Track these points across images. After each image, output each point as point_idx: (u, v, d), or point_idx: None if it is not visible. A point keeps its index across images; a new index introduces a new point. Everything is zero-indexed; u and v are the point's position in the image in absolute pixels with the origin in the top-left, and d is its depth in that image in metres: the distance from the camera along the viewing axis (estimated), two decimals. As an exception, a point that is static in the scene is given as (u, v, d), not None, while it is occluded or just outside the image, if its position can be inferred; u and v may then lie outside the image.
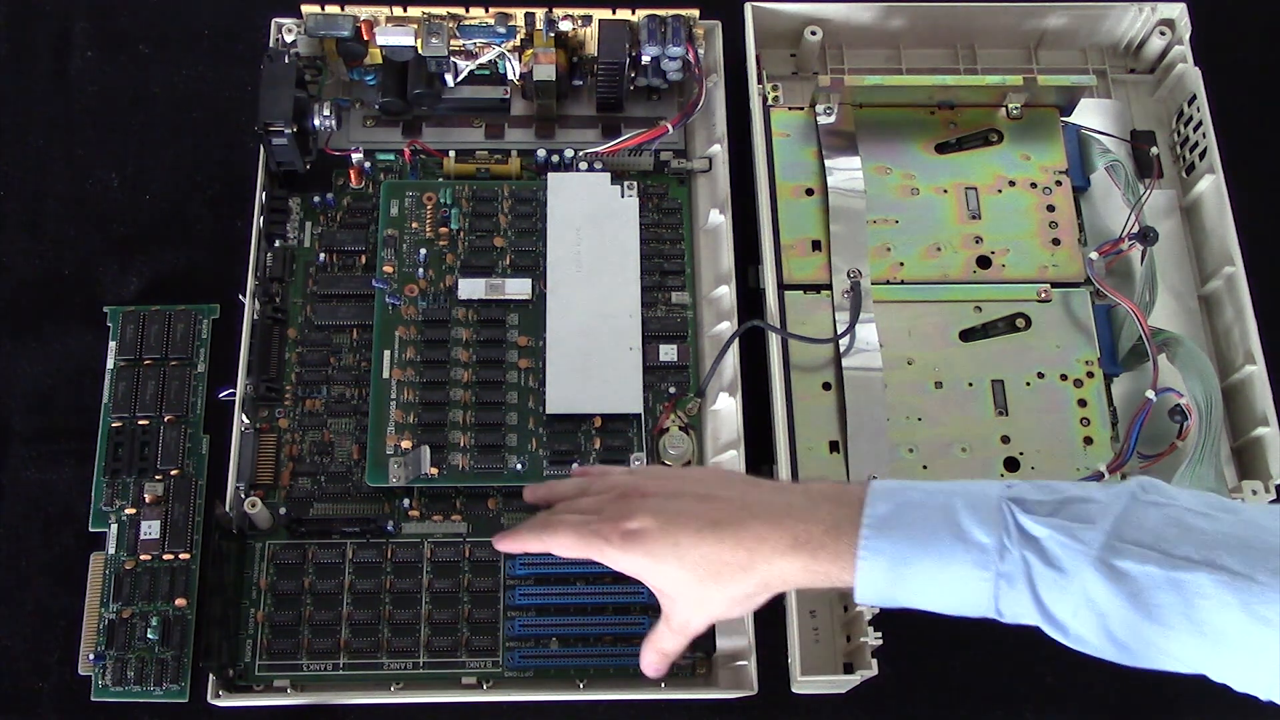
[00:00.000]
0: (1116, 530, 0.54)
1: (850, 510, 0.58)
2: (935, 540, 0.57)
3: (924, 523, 0.57)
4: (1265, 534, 0.54)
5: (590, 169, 0.85)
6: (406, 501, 0.77)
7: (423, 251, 0.82)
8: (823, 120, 0.86)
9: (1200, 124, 0.86)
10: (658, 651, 0.66)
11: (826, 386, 0.80)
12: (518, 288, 0.81)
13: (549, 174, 0.84)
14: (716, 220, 0.83)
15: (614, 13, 0.84)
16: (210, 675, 0.70)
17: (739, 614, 0.63)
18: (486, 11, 0.84)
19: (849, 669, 0.74)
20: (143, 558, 0.75)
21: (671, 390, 0.80)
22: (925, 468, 0.78)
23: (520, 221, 0.84)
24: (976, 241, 0.84)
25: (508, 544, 0.67)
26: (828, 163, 0.85)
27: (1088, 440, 0.79)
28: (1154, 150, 0.87)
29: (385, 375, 0.79)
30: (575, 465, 0.77)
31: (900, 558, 0.57)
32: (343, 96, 0.88)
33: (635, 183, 0.84)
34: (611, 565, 0.62)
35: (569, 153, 0.85)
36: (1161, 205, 0.87)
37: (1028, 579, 0.55)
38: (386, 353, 0.79)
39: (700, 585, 0.60)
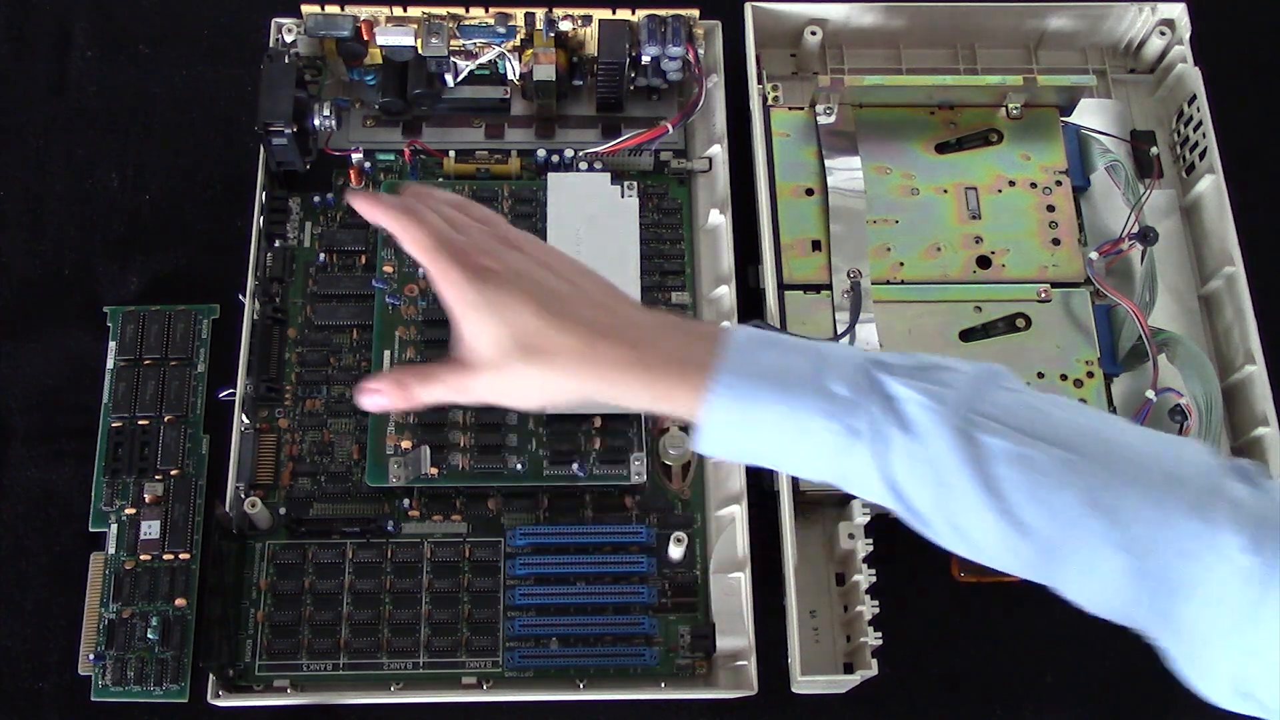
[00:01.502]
0: (972, 402, 0.54)
1: (703, 342, 0.56)
2: (790, 384, 0.55)
3: (782, 367, 0.56)
4: (1116, 431, 0.54)
5: (590, 169, 0.85)
6: (406, 501, 0.77)
7: (423, 251, 0.82)
8: (823, 120, 0.86)
9: (1200, 124, 0.86)
10: (399, 384, 0.60)
11: (826, 386, 0.80)
12: (518, 288, 0.81)
13: (549, 174, 0.84)
14: (716, 220, 0.83)
15: (614, 13, 0.84)
16: (210, 675, 0.70)
17: (530, 404, 0.59)
18: (486, 11, 0.84)
19: (849, 669, 0.74)
20: (143, 558, 0.75)
21: (671, 390, 0.80)
22: (925, 468, 0.78)
23: (520, 221, 0.84)
24: (976, 241, 0.84)
25: (362, 202, 0.61)
26: (828, 163, 0.85)
27: (1088, 440, 0.79)
28: (1154, 150, 0.87)
29: (385, 375, 0.79)
30: (575, 466, 0.77)
31: (751, 396, 0.55)
32: (343, 96, 0.88)
33: (635, 183, 0.84)
34: (444, 290, 0.58)
35: (569, 153, 0.85)
36: (1161, 205, 0.87)
37: (877, 438, 0.54)
38: (386, 353, 0.79)
39: (512, 353, 0.57)
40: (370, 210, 0.61)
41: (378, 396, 0.61)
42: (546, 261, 0.60)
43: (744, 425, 0.56)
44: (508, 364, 0.57)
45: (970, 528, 0.55)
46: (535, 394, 0.58)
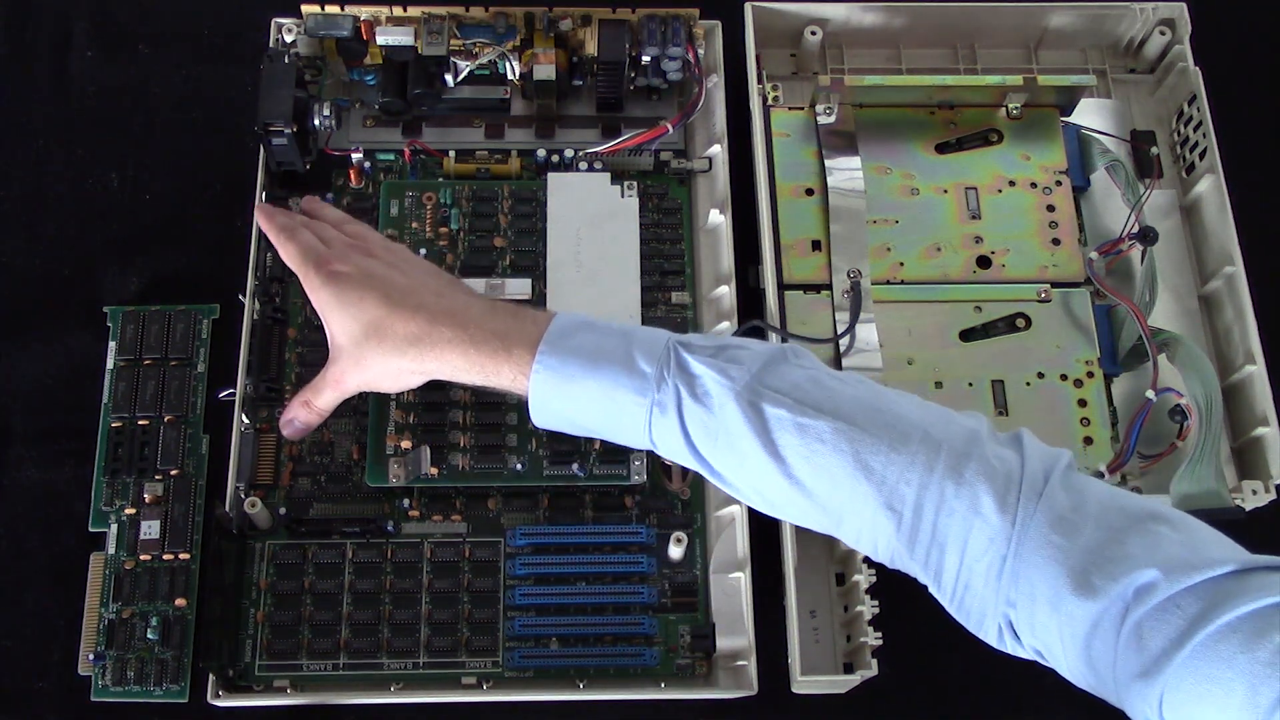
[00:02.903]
0: (760, 376, 0.61)
1: (527, 325, 0.65)
2: (604, 364, 0.62)
3: (597, 349, 0.63)
4: (889, 402, 0.61)
5: (590, 169, 0.85)
6: (406, 501, 0.77)
7: (423, 251, 0.82)
8: (823, 120, 0.86)
9: (1200, 124, 0.86)
10: (302, 403, 0.72)
11: (826, 386, 0.80)
12: (518, 288, 0.81)
13: (549, 174, 0.84)
14: (716, 220, 0.83)
15: (614, 13, 0.84)
16: (210, 675, 0.70)
17: (389, 387, 0.69)
18: (486, 11, 0.84)
19: (849, 669, 0.74)
20: (143, 558, 0.75)
21: (671, 390, 0.80)
22: (925, 468, 0.78)
23: (520, 221, 0.84)
24: (976, 241, 0.84)
25: (261, 217, 0.74)
26: (828, 163, 0.85)
27: (1088, 440, 0.79)
28: (1154, 150, 0.87)
29: (385, 375, 0.79)
30: (575, 466, 0.77)
31: (569, 375, 0.63)
32: (343, 96, 0.88)
33: (635, 183, 0.84)
34: (310, 296, 0.69)
35: (569, 153, 0.85)
36: (1161, 205, 0.87)
37: (678, 410, 0.61)
38: (386, 353, 0.79)
39: (364, 341, 0.66)
40: (263, 225, 0.73)
41: (294, 423, 0.73)
42: (394, 263, 0.70)
43: (565, 399, 0.64)
44: (362, 351, 0.67)
45: (766, 490, 0.62)
46: (391, 375, 0.68)
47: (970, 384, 0.80)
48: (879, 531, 0.59)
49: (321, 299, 0.68)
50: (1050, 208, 0.85)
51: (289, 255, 0.71)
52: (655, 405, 0.62)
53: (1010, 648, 0.59)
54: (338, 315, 0.67)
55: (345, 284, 0.67)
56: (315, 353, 0.80)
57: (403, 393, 0.78)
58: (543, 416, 0.66)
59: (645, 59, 0.84)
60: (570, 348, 0.63)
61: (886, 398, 0.61)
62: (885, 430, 0.58)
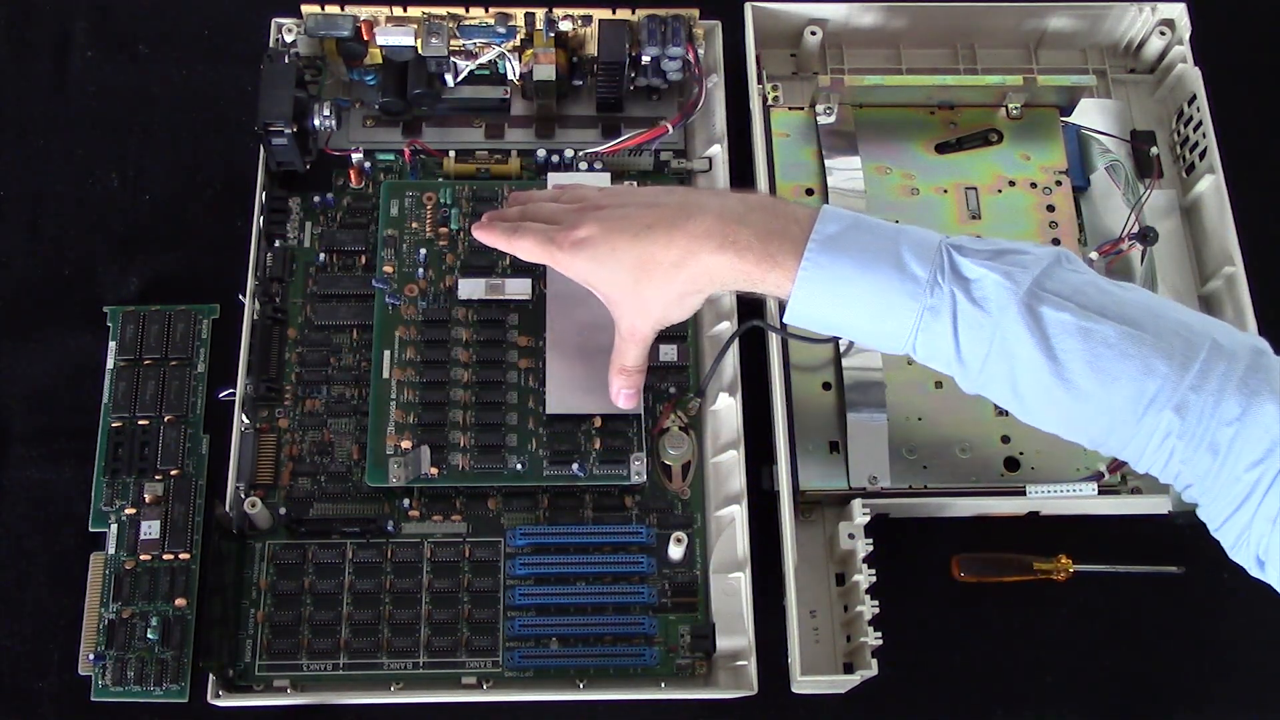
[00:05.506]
0: (1040, 281, 0.60)
1: (788, 224, 0.63)
2: (876, 265, 0.61)
3: (868, 249, 0.62)
4: (1171, 309, 0.61)
5: (590, 169, 0.85)
6: (406, 501, 0.77)
7: (423, 251, 0.82)
8: (823, 120, 0.86)
9: (1200, 124, 0.86)
10: (620, 370, 0.73)
11: (826, 386, 0.80)
12: (518, 288, 0.81)
13: (549, 174, 0.84)
14: (716, 220, 0.83)
15: (614, 13, 0.84)
16: (210, 675, 0.70)
17: (679, 316, 0.69)
18: (486, 11, 0.84)
19: (849, 669, 0.74)
20: (143, 558, 0.75)
21: (671, 390, 0.80)
22: (925, 468, 0.78)
23: (520, 221, 0.84)
24: (976, 241, 0.84)
25: (482, 234, 0.73)
26: (828, 163, 0.85)
27: (1088, 440, 0.79)
28: (1154, 150, 0.87)
29: (385, 375, 0.79)
30: (575, 466, 0.77)
31: (840, 276, 0.61)
32: (343, 96, 0.88)
33: (635, 183, 0.84)
34: (565, 272, 0.69)
35: (569, 153, 0.85)
36: (1161, 205, 0.87)
37: (952, 315, 0.60)
38: (386, 353, 0.79)
39: (636, 285, 0.66)
40: (487, 240, 0.73)
41: (623, 393, 0.75)
42: (625, 202, 0.69)
43: (830, 302, 0.62)
44: (640, 295, 0.67)
45: (1032, 394, 0.61)
46: (675, 304, 0.68)
47: (970, 384, 0.80)
48: (1151, 430, 0.59)
49: (579, 271, 0.68)
50: (1050, 208, 0.85)
51: (526, 251, 0.70)
52: (927, 310, 0.60)
53: (1255, 571, 0.60)
54: (601, 276, 0.68)
55: (591, 245, 0.67)
56: (315, 353, 0.80)
57: (402, 392, 0.78)
58: (800, 317, 0.64)
59: (645, 59, 0.84)
60: (840, 248, 0.62)
61: (1166, 305, 0.61)
62: (1173, 336, 0.58)
